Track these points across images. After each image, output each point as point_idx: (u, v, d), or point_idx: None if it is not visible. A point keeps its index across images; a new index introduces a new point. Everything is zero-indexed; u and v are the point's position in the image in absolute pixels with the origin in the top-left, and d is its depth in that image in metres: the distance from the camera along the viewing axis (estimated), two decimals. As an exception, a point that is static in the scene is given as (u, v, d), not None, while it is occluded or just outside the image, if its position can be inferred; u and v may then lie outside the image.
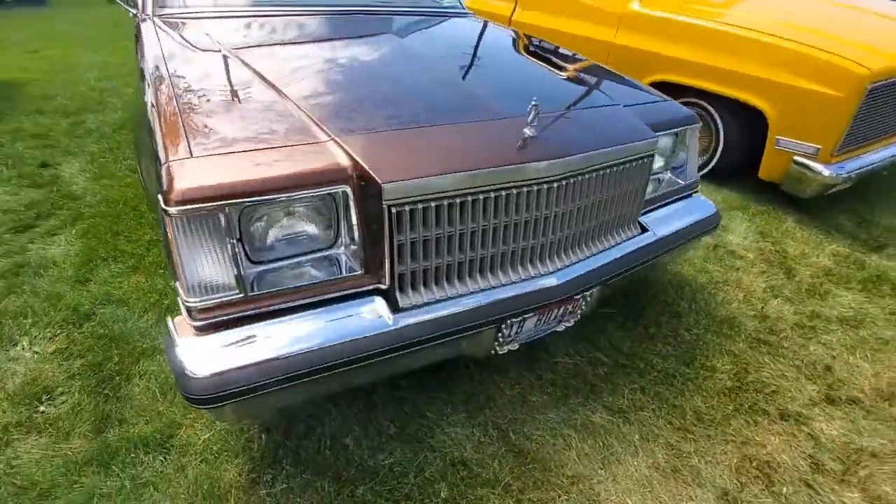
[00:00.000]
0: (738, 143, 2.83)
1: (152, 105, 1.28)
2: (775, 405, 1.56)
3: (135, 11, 2.01)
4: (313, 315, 1.11)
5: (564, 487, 1.28)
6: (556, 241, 1.36)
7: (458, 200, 1.15)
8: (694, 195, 1.84)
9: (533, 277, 1.33)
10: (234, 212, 1.01)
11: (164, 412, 1.38)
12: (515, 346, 1.43)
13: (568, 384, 1.58)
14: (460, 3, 2.73)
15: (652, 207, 1.68)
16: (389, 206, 1.08)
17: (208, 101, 1.29)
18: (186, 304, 1.03)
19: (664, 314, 1.91)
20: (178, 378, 1.00)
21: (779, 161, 2.58)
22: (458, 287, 1.25)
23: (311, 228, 1.14)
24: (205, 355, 1.01)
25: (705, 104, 2.91)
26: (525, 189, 1.22)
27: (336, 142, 1.14)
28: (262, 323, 1.07)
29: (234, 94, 1.34)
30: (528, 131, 1.26)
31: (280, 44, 1.73)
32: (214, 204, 0.98)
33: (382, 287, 1.18)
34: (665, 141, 1.69)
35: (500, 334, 1.33)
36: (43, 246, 2.10)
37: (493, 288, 1.28)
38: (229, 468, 1.26)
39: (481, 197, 1.17)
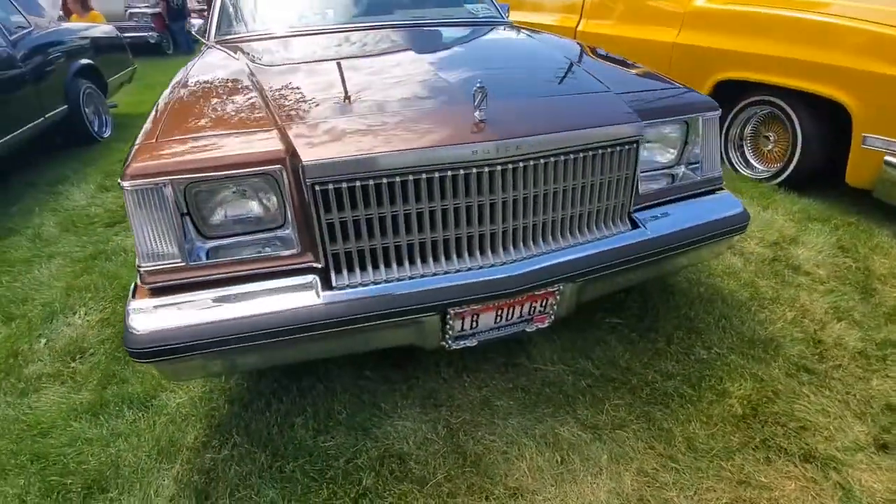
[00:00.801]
0: (818, 145, 2.42)
1: (155, 104, 1.49)
2: (800, 444, 1.27)
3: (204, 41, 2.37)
4: (247, 287, 1.17)
5: (500, 498, 1.16)
6: (516, 229, 1.28)
7: (389, 181, 1.15)
8: (717, 192, 1.61)
9: (482, 267, 1.26)
10: (179, 187, 1.13)
11: (156, 375, 1.54)
12: (473, 343, 1.36)
13: (541, 392, 1.45)
14: (499, 14, 2.74)
15: (656, 202, 1.51)
16: (313, 185, 1.12)
17: (198, 99, 1.47)
18: (138, 267, 1.16)
19: (681, 328, 1.67)
20: (124, 333, 1.12)
21: (867, 162, 2.15)
22: (396, 271, 1.23)
23: (258, 209, 1.22)
24: (146, 314, 1.12)
25: (780, 102, 2.54)
26: (466, 172, 1.18)
27: (280, 129, 1.22)
28: (201, 291, 1.16)
29: (221, 94, 1.50)
30: (477, 115, 1.22)
31: (292, 61, 1.89)
32: (157, 180, 1.10)
33: (318, 266, 1.21)
34: (668, 130, 1.52)
35: (447, 326, 1.27)
36: (123, 238, 2.50)
37: (436, 275, 1.24)
38: (190, 431, 1.36)
39: (414, 178, 1.15)
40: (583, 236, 1.38)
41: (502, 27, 2.48)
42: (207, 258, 1.19)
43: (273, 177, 1.16)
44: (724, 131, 2.96)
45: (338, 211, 1.15)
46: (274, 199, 1.19)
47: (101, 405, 1.44)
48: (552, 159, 1.25)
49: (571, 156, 1.27)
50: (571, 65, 1.75)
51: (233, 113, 1.36)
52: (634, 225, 1.44)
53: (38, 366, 1.63)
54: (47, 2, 6.01)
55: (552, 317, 1.41)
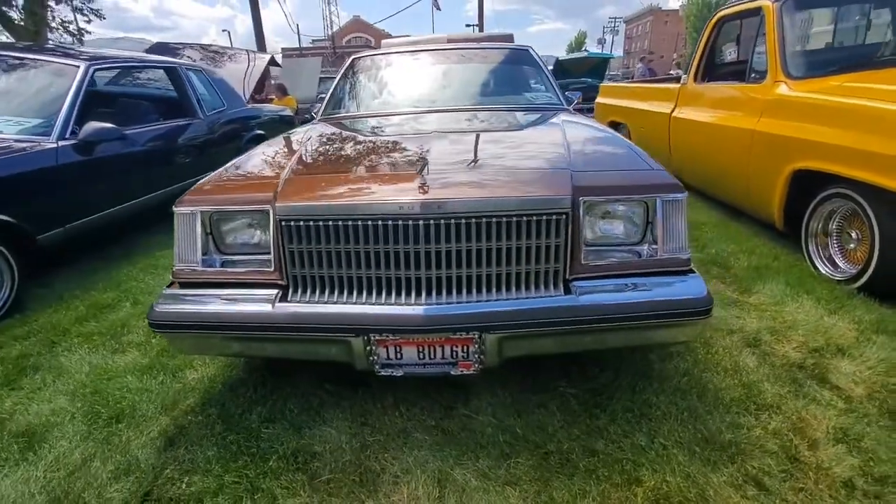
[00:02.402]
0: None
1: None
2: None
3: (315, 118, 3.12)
4: (230, 292, 1.58)
5: (368, 508, 1.30)
6: (441, 278, 1.48)
7: (334, 223, 1.47)
8: (685, 275, 1.57)
9: (404, 304, 1.48)
10: (205, 216, 1.62)
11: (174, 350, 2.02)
12: (399, 373, 1.55)
13: (457, 436, 1.55)
14: (560, 101, 3.00)
15: (609, 274, 1.55)
16: (280, 220, 1.51)
17: (256, 155, 2.03)
18: (173, 266, 1.66)
19: (632, 412, 1.59)
20: (149, 309, 1.61)
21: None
22: (336, 296, 1.52)
23: (257, 237, 1.65)
24: (164, 299, 1.60)
25: (857, 196, 2.25)
26: (394, 223, 1.45)
27: (281, 180, 1.66)
28: (196, 289, 1.61)
29: (271, 153, 2.04)
30: (418, 180, 1.51)
31: (339, 134, 2.41)
32: (192, 209, 1.61)
33: (282, 283, 1.57)
34: (623, 208, 1.59)
35: (371, 350, 1.50)
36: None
37: (363, 304, 1.49)
38: (189, 398, 1.78)
39: (352, 223, 1.46)
40: (509, 294, 1.51)
41: (553, 112, 2.72)
42: (220, 266, 1.64)
43: (265, 213, 1.59)
44: (804, 225, 2.66)
45: (296, 243, 1.51)
46: (265, 231, 1.61)
47: (149, 369, 1.96)
48: (474, 221, 1.45)
49: (494, 219, 1.45)
50: (561, 144, 1.90)
51: (265, 165, 1.87)
52: (568, 291, 1.51)
53: (133, 336, 2.27)
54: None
55: (478, 365, 1.53)
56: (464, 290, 1.50)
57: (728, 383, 1.73)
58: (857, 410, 1.56)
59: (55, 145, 2.81)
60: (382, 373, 1.54)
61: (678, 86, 4.04)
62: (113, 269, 3.06)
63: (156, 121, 3.79)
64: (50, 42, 12.14)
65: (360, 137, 2.31)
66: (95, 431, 1.62)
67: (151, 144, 3.54)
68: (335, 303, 1.51)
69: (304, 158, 1.91)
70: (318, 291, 1.54)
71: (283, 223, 1.50)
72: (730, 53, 3.94)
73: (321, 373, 1.83)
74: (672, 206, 1.57)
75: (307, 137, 2.26)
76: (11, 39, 12.03)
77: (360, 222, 1.46)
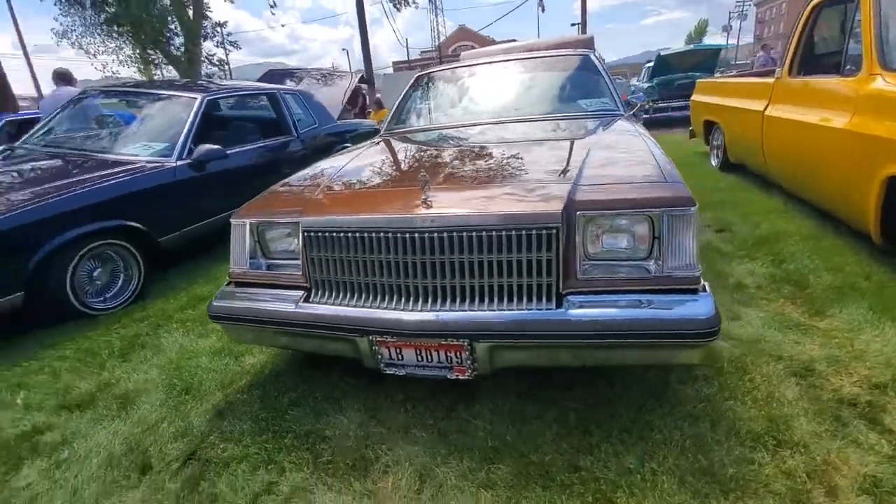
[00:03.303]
0: None
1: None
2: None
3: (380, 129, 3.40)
4: (266, 292, 1.86)
5: (356, 492, 1.46)
6: (437, 287, 1.59)
7: (345, 235, 1.67)
8: (695, 293, 1.49)
9: (401, 310, 1.62)
10: (253, 226, 1.92)
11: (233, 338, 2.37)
12: (402, 373, 1.69)
13: (450, 437, 1.64)
14: (616, 107, 2.92)
15: (610, 289, 1.54)
16: (304, 231, 1.74)
17: (307, 173, 2.31)
18: (230, 267, 1.99)
19: (630, 432, 1.55)
20: (209, 303, 1.94)
21: None
22: (346, 299, 1.71)
23: (291, 246, 1.91)
24: (220, 295, 1.93)
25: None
26: (394, 236, 1.59)
27: (311, 195, 1.90)
28: (245, 288, 1.91)
29: (317, 173, 2.31)
30: (422, 196, 1.65)
31: (387, 150, 2.62)
32: (243, 220, 1.92)
33: (306, 286, 1.81)
34: (626, 222, 1.55)
35: (375, 350, 1.67)
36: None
37: (367, 307, 1.66)
38: (242, 379, 2.11)
39: (359, 235, 1.64)
40: (500, 305, 1.56)
41: (600, 120, 2.68)
42: (265, 269, 1.93)
43: (296, 225, 1.83)
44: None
45: (315, 251, 1.73)
46: (297, 240, 1.86)
47: (219, 352, 2.35)
48: (465, 234, 1.54)
49: (483, 233, 1.53)
50: (581, 156, 1.89)
51: (308, 181, 2.14)
52: (561, 305, 1.53)
53: (216, 324, 2.71)
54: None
55: (471, 371, 1.61)
56: (458, 300, 1.59)
57: (752, 414, 1.58)
58: (876, 451, 1.34)
59: (174, 164, 3.44)
60: (387, 371, 1.70)
61: (772, 80, 3.62)
62: (214, 266, 3.64)
63: (257, 140, 4.39)
64: (203, 70, 14.46)
65: (396, 153, 2.50)
66: (169, 400, 2.00)
67: (251, 160, 4.12)
68: (345, 305, 1.70)
69: (337, 175, 2.14)
70: (333, 294, 1.74)
71: (306, 234, 1.73)
72: (827, 44, 3.42)
73: (348, 369, 2.04)
74: (679, 222, 1.51)
75: (355, 154, 2.51)
76: (173, 69, 14.56)
77: (363, 234, 1.63)
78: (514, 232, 1.51)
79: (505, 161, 2.05)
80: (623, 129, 2.42)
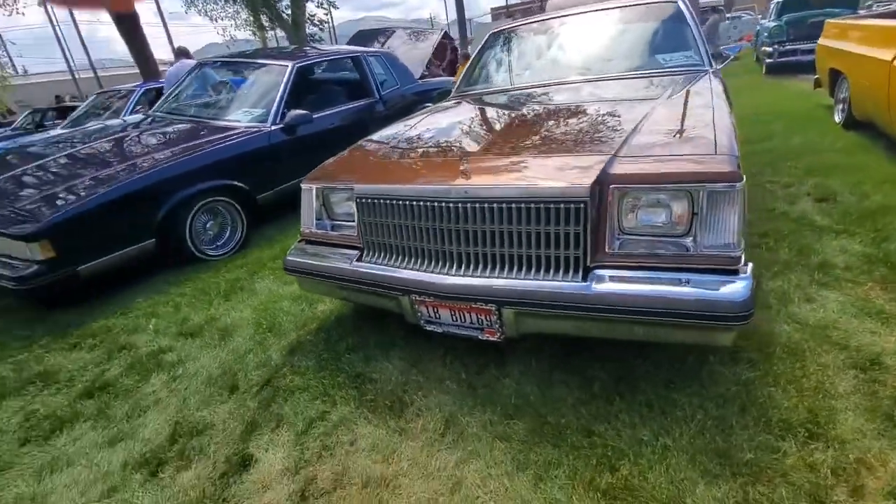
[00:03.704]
0: None
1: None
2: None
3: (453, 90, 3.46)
4: (329, 250, 2.10)
5: (390, 429, 1.69)
6: (471, 254, 1.70)
7: (389, 202, 1.82)
8: (733, 274, 1.44)
9: (438, 273, 1.76)
10: (319, 191, 2.15)
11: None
12: (440, 330, 1.86)
13: (478, 391, 1.79)
14: (702, 61, 2.69)
15: (641, 264, 1.54)
16: (357, 198, 1.93)
17: (375, 137, 2.48)
18: (301, 227, 2.27)
19: (650, 407, 1.57)
20: (284, 257, 2.25)
21: None
22: (392, 261, 1.89)
23: (352, 208, 2.12)
24: (293, 251, 2.22)
25: None
26: (432, 204, 1.72)
27: (367, 164, 2.07)
28: (313, 245, 2.17)
29: (380, 137, 2.46)
30: (461, 166, 1.74)
31: (457, 114, 2.68)
32: (310, 185, 2.16)
33: (360, 247, 2.01)
34: (663, 197, 1.52)
35: (415, 307, 1.84)
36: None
37: (407, 269, 1.83)
38: (313, 323, 2.44)
39: (402, 202, 1.78)
40: (528, 274, 1.63)
41: (677, 78, 2.49)
42: (329, 230, 2.19)
43: (352, 190, 2.03)
44: None
45: (366, 216, 1.92)
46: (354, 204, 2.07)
47: (298, 298, 2.71)
48: (496, 205, 1.61)
49: (513, 205, 1.59)
50: (631, 124, 1.83)
51: (370, 148, 2.31)
52: (586, 279, 1.56)
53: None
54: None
55: (500, 334, 1.73)
56: (489, 267, 1.69)
57: (791, 404, 1.51)
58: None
59: (269, 129, 3.83)
60: (427, 328, 1.88)
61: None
62: (304, 221, 4.07)
63: (343, 102, 4.67)
64: (308, 31, 15.25)
65: (454, 119, 2.55)
66: (256, 335, 2.39)
67: (336, 123, 4.42)
68: (389, 266, 1.88)
69: (394, 142, 2.28)
70: (380, 255, 1.93)
71: (358, 200, 1.92)
72: None
73: (401, 324, 2.25)
74: (721, 197, 1.44)
75: (418, 119, 2.62)
76: (281, 31, 15.51)
77: (404, 202, 1.78)
78: (541, 205, 1.55)
79: (555, 128, 2.04)
80: (697, 89, 2.23)
